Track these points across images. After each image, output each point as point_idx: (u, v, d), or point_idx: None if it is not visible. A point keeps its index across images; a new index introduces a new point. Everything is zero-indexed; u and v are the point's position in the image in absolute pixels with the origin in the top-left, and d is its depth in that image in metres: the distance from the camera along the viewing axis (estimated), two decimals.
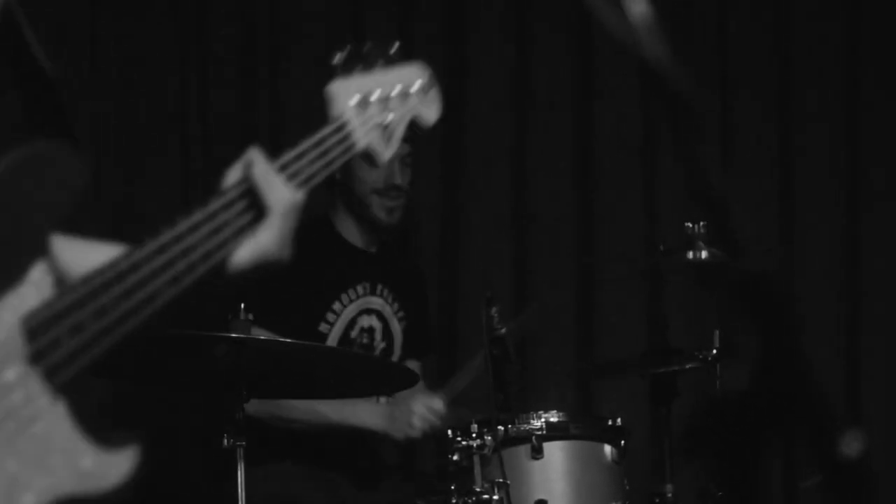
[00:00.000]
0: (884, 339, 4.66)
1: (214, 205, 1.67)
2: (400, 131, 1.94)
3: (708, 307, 4.18)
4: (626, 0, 1.29)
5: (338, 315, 3.74)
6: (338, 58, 1.87)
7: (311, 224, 3.80)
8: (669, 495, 3.67)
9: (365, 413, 3.62)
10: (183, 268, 1.60)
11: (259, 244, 1.70)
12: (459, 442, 3.29)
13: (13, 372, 1.46)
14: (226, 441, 3.08)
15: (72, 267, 1.59)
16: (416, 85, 2.01)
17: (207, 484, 3.74)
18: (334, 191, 3.76)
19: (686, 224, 3.53)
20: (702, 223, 3.48)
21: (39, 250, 1.56)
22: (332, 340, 3.72)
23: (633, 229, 4.65)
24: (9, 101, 1.80)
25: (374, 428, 3.59)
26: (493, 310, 3.33)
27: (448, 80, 4.64)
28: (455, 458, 3.29)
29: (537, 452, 3.33)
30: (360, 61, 1.90)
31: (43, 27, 4.69)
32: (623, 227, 4.64)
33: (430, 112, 2.04)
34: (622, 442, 3.45)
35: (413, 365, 3.86)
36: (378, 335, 3.80)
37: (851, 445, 1.22)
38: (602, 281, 4.64)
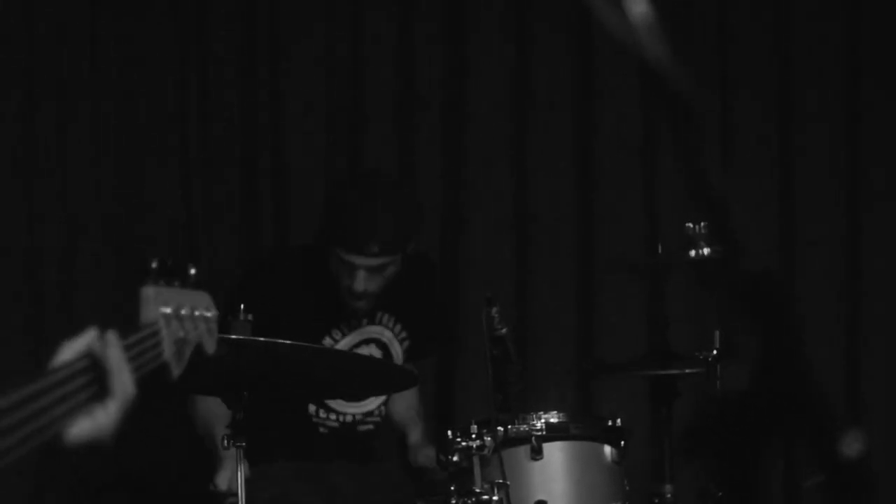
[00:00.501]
0: (884, 339, 4.66)
1: (56, 376, 1.58)
2: (187, 353, 1.94)
3: (708, 307, 4.17)
4: (626, 0, 1.29)
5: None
6: (154, 263, 1.86)
7: (304, 254, 3.79)
8: (669, 496, 3.67)
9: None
10: (13, 442, 1.48)
11: (96, 426, 1.64)
12: (459, 443, 3.29)
13: None
14: (225, 442, 3.08)
15: None
16: (209, 312, 1.98)
17: (207, 484, 3.73)
18: None
19: (686, 224, 3.53)
20: (702, 223, 3.47)
21: None
22: None
23: (634, 229, 4.65)
24: None
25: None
26: (494, 310, 3.32)
27: (448, 80, 4.64)
28: (455, 458, 3.29)
29: (537, 453, 3.33)
30: (172, 276, 1.88)
31: (43, 27, 4.71)
32: (623, 227, 4.63)
33: (211, 343, 2.03)
34: (622, 442, 3.44)
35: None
36: None
37: (852, 445, 1.22)
38: (602, 281, 4.64)
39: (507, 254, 4.62)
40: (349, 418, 3.82)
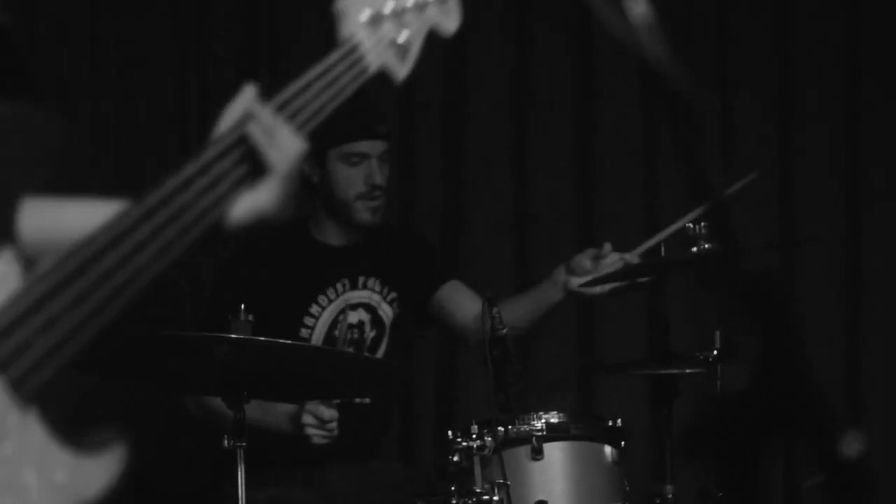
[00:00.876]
0: (884, 339, 4.66)
1: (207, 156, 1.52)
2: (416, 48, 1.81)
3: (708, 307, 4.18)
4: (626, 0, 1.28)
5: (317, 318, 3.72)
6: None
7: (284, 230, 3.79)
8: (670, 496, 3.67)
9: (277, 416, 3.54)
10: (173, 235, 1.41)
11: (259, 202, 1.56)
12: (459, 443, 3.29)
13: None
14: (226, 442, 3.08)
15: (45, 236, 1.44)
16: None
17: (207, 484, 3.74)
18: (313, 195, 3.73)
19: (687, 224, 3.53)
20: (702, 223, 3.47)
21: (3, 235, 1.36)
22: (315, 343, 3.70)
23: (634, 229, 4.64)
24: None
25: (283, 430, 3.51)
26: (494, 310, 3.32)
27: (448, 80, 4.64)
28: (455, 458, 3.29)
29: (537, 453, 3.33)
30: None
31: (43, 27, 4.70)
32: (623, 228, 4.63)
33: (450, 21, 1.91)
34: (622, 443, 3.45)
35: (454, 285, 3.85)
36: (367, 327, 3.79)
37: (852, 446, 1.22)
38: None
39: (507, 254, 4.62)
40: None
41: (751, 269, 1.23)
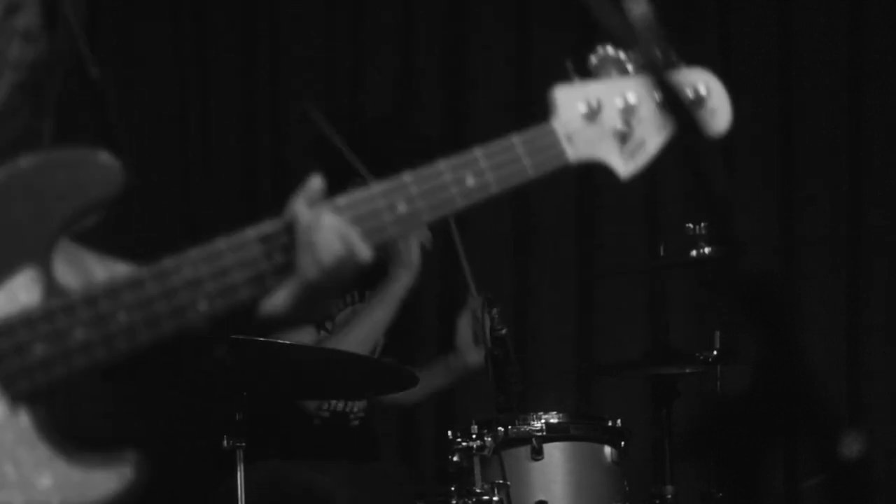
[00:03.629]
0: (885, 339, 4.65)
1: (246, 236, 1.46)
2: (652, 148, 1.66)
3: (709, 308, 4.17)
4: (627, 0, 1.28)
5: (335, 323, 3.76)
6: (592, 59, 1.64)
7: None
8: (670, 496, 3.67)
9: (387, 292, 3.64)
10: (186, 300, 1.42)
11: (272, 302, 1.48)
12: (459, 443, 3.29)
13: None
14: (226, 442, 3.08)
15: (72, 279, 1.48)
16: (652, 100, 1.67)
17: (207, 484, 3.74)
18: None
19: (687, 225, 3.53)
20: (703, 224, 3.47)
21: (30, 256, 1.41)
22: None
23: (634, 230, 4.64)
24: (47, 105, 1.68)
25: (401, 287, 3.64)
26: (494, 311, 3.32)
27: (448, 80, 4.64)
28: (455, 459, 3.29)
29: (537, 453, 3.33)
30: (612, 65, 1.66)
31: None
32: (624, 228, 4.63)
33: (717, 121, 1.73)
34: (622, 443, 3.45)
35: None
36: None
37: (852, 446, 1.22)
38: (602, 281, 4.63)
39: (507, 254, 4.62)
40: (339, 406, 3.83)
41: (751, 270, 1.23)
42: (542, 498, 3.31)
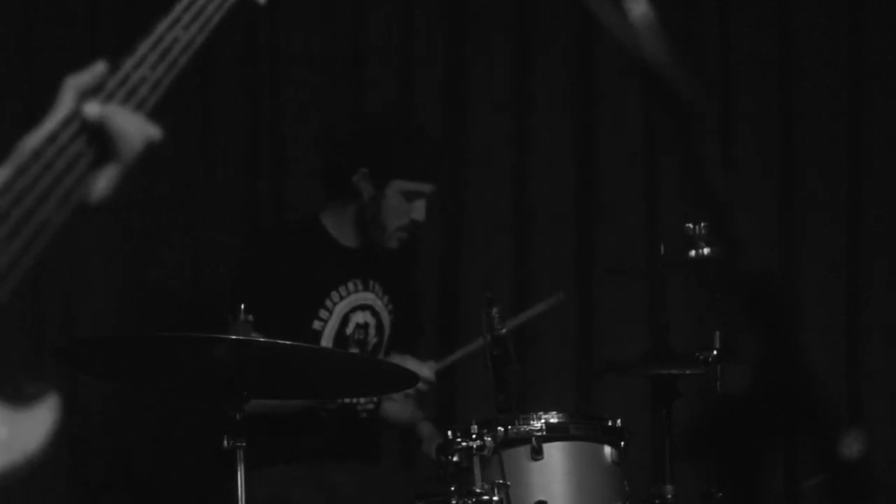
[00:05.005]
0: (885, 339, 4.65)
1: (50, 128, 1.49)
2: None
3: (709, 308, 4.17)
4: (627, 0, 1.28)
5: (330, 312, 3.79)
6: None
7: (299, 225, 3.86)
8: (669, 496, 3.67)
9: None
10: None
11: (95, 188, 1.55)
12: (459, 443, 3.29)
13: None
14: (226, 442, 3.08)
15: None
16: None
17: (207, 485, 3.74)
18: (345, 198, 3.78)
19: (687, 225, 3.53)
20: (702, 224, 3.47)
21: None
22: (326, 337, 3.77)
23: (634, 230, 4.64)
24: None
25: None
26: (494, 310, 3.32)
27: (448, 80, 4.64)
28: (455, 459, 3.29)
29: (537, 453, 3.33)
30: None
31: (44, 27, 4.68)
32: (623, 228, 4.63)
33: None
34: (622, 443, 3.44)
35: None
36: (372, 331, 3.86)
37: (852, 446, 1.22)
38: (602, 281, 4.63)
39: (507, 254, 4.62)
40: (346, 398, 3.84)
41: (751, 270, 1.23)
42: (542, 498, 3.31)
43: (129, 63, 1.64)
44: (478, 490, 3.21)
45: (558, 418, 3.39)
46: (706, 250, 3.49)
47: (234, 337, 3.01)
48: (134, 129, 1.60)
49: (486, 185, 4.61)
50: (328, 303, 3.78)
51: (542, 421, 3.36)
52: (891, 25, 4.72)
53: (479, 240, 4.60)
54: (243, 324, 3.09)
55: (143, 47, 1.67)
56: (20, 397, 1.40)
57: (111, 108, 1.59)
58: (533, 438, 3.33)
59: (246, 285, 3.68)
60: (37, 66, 4.28)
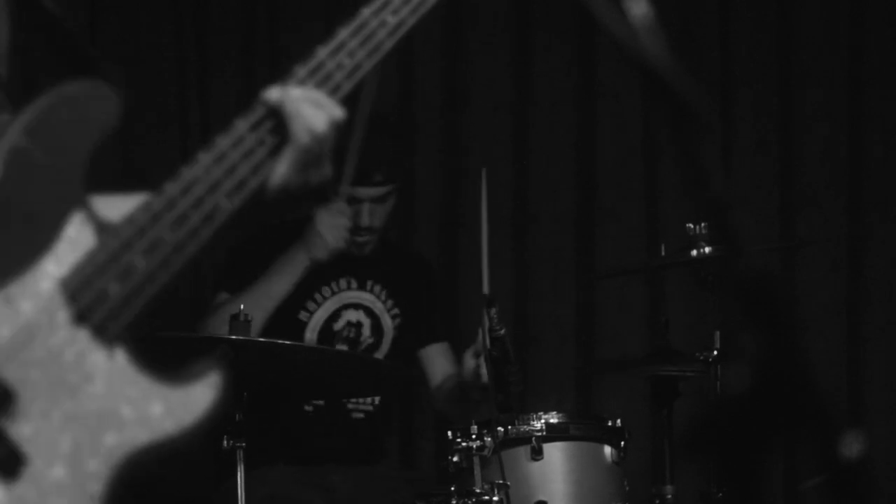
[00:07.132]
0: (885, 340, 4.65)
1: (238, 129, 1.62)
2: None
3: (709, 308, 4.18)
4: (627, 1, 1.28)
5: (318, 305, 3.83)
6: None
7: (296, 224, 3.87)
8: (670, 496, 3.67)
9: (287, 262, 3.68)
10: (212, 205, 1.54)
11: (277, 173, 1.63)
12: (459, 443, 3.29)
13: (58, 337, 1.43)
14: (225, 442, 3.08)
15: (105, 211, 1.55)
16: None
17: (207, 485, 3.74)
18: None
19: (687, 225, 3.53)
20: (703, 224, 3.47)
21: (74, 199, 1.51)
22: (311, 329, 3.81)
23: (634, 230, 4.64)
24: (30, 44, 1.76)
25: (299, 262, 3.66)
26: (493, 310, 3.32)
27: (448, 80, 4.64)
28: (455, 459, 3.29)
29: (537, 453, 3.33)
30: None
31: None
32: (624, 228, 4.63)
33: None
34: (622, 443, 3.44)
35: (440, 348, 3.95)
36: (366, 330, 3.87)
37: (852, 446, 1.22)
38: (602, 281, 4.63)
39: (507, 254, 4.62)
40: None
41: (751, 269, 1.23)
42: (542, 498, 3.30)
43: (323, 51, 1.76)
44: (478, 490, 3.21)
45: (558, 418, 3.39)
46: (706, 250, 3.49)
47: (234, 337, 3.02)
48: (312, 109, 1.67)
49: (486, 185, 4.60)
50: (318, 296, 3.83)
51: (542, 421, 3.36)
52: (891, 25, 4.72)
53: (478, 239, 4.59)
54: (242, 324, 3.09)
55: (343, 34, 1.80)
56: (180, 376, 1.50)
57: (289, 90, 1.70)
58: (533, 438, 3.33)
59: (231, 267, 3.77)
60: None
